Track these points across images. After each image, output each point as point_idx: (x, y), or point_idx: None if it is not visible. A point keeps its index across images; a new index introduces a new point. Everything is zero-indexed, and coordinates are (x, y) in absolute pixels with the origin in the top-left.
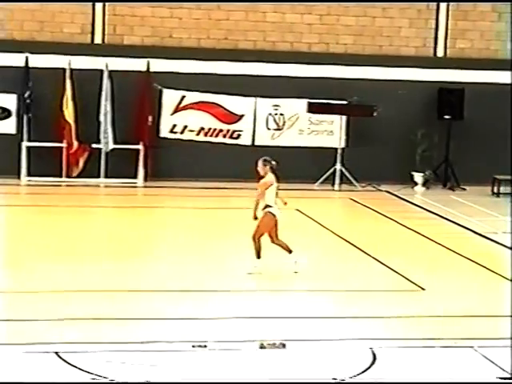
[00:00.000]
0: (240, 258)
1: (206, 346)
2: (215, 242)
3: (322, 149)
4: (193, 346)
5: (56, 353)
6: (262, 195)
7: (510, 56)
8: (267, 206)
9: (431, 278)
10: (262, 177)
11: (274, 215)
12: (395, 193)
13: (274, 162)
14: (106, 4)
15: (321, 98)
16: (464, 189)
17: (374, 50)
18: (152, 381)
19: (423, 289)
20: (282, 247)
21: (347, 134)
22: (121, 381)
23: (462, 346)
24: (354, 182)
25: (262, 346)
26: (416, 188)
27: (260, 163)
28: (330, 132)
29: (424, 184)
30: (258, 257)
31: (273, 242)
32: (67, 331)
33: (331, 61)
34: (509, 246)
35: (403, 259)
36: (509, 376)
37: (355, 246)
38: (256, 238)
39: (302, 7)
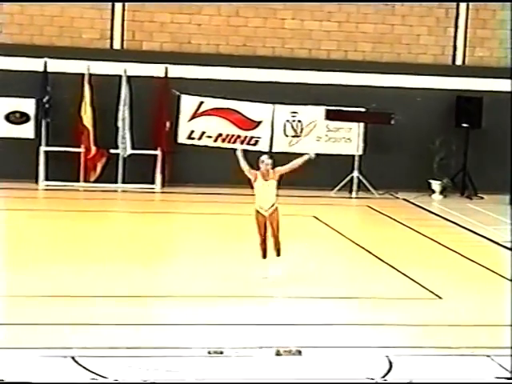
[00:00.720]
0: (256, 263)
1: (221, 353)
2: (232, 248)
3: (339, 156)
4: (209, 352)
5: (72, 357)
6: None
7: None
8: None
9: (448, 287)
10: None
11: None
12: (412, 200)
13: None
14: (126, 10)
15: (339, 105)
16: (481, 197)
17: (393, 57)
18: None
19: (440, 297)
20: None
21: (365, 142)
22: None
23: (479, 355)
24: (371, 189)
25: (277, 353)
26: (433, 196)
27: (267, 160)
28: (348, 139)
29: (441, 192)
30: (265, 257)
31: (274, 234)
32: (84, 336)
33: (349, 68)
34: None
35: (420, 267)
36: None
37: (372, 253)
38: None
39: (320, 14)
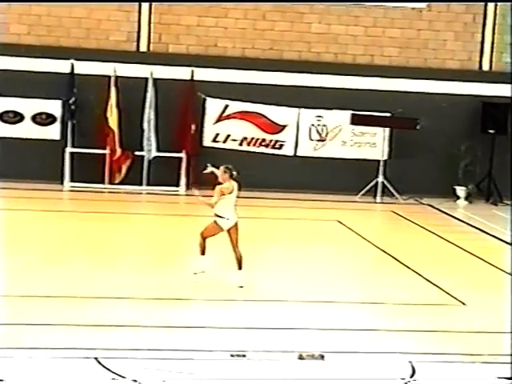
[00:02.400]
0: (277, 268)
1: (244, 356)
2: (253, 251)
3: (364, 161)
4: (231, 356)
5: (96, 358)
6: (215, 204)
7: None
8: (216, 216)
9: (472, 293)
10: (219, 183)
11: (219, 227)
12: (437, 206)
13: (235, 172)
14: (152, 12)
15: (364, 109)
16: (507, 203)
17: (419, 62)
18: None
19: (464, 304)
20: (237, 259)
21: (390, 147)
22: None
23: (502, 363)
24: (395, 194)
25: (300, 357)
26: (458, 202)
27: (221, 169)
28: (373, 144)
29: (466, 198)
30: (203, 253)
31: (234, 250)
32: (108, 337)
33: (376, 73)
34: None
35: (444, 273)
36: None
37: (396, 258)
38: (202, 238)
39: (347, 18)
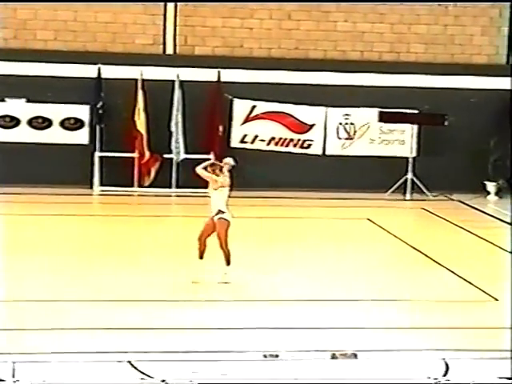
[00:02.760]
0: (307, 267)
1: (277, 356)
2: (283, 251)
3: (392, 158)
4: (264, 356)
5: (129, 362)
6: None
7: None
8: (220, 212)
9: (504, 289)
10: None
11: (228, 221)
12: (467, 202)
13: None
14: (178, 15)
15: (392, 107)
16: None
17: (446, 58)
18: None
19: (496, 299)
20: (226, 255)
21: (418, 143)
22: None
23: None
24: (425, 191)
25: (333, 356)
26: (488, 197)
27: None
28: (401, 141)
29: (497, 193)
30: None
31: (221, 246)
32: (140, 340)
33: (402, 70)
34: None
35: (476, 269)
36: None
37: (427, 255)
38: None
39: (373, 16)
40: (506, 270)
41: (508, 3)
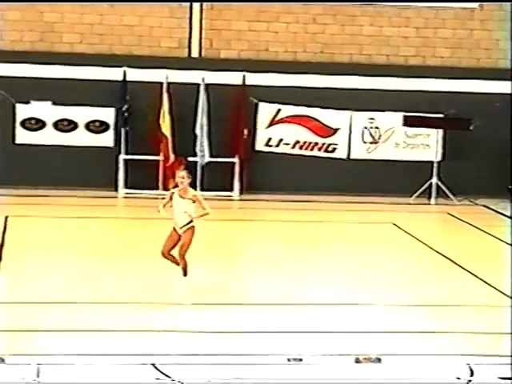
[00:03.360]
0: (332, 271)
1: (301, 360)
2: (308, 255)
3: (417, 162)
4: (288, 360)
5: (153, 364)
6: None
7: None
8: (192, 221)
9: None
10: (183, 190)
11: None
12: (492, 207)
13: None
14: (203, 18)
15: (417, 111)
16: None
17: (472, 62)
18: None
19: None
20: (184, 266)
21: (444, 148)
22: None
23: None
24: (450, 195)
25: (357, 361)
26: None
27: (185, 174)
28: (426, 145)
29: None
30: (185, 274)
31: (166, 254)
32: (164, 343)
33: (428, 74)
34: None
35: (501, 274)
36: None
37: (452, 260)
38: (183, 255)
39: (398, 20)
40: None
41: None
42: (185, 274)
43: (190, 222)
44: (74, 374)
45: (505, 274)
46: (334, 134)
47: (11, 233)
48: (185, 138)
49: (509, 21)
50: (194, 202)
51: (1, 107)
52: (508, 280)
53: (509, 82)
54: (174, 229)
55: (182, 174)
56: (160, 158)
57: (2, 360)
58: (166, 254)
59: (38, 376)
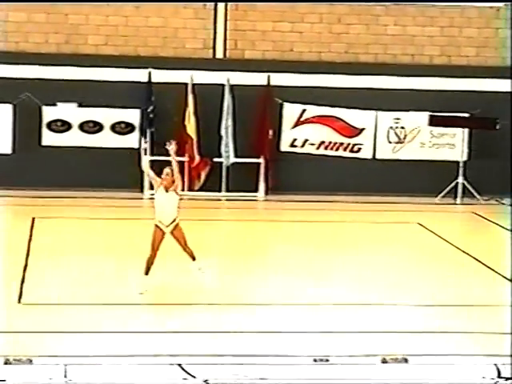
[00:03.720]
0: (358, 271)
1: (327, 360)
2: (335, 255)
3: (443, 162)
4: (314, 360)
5: (179, 365)
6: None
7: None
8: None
9: None
10: (165, 186)
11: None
12: None
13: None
14: (228, 19)
15: (442, 110)
16: None
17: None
18: None
19: None
20: (190, 253)
21: (469, 147)
22: None
23: None
24: (476, 195)
25: (383, 361)
26: None
27: (169, 170)
28: (452, 145)
29: None
30: (147, 273)
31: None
32: (190, 343)
33: (453, 73)
34: None
35: None
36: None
37: (478, 260)
38: (186, 244)
39: (423, 19)
40: None
41: None
42: (194, 258)
43: (176, 218)
44: (101, 374)
45: None
46: (359, 134)
47: (38, 234)
48: (210, 138)
49: None
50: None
51: (27, 109)
52: None
53: None
54: (157, 226)
55: (167, 171)
56: (185, 159)
57: (30, 361)
58: (155, 257)
59: (65, 376)
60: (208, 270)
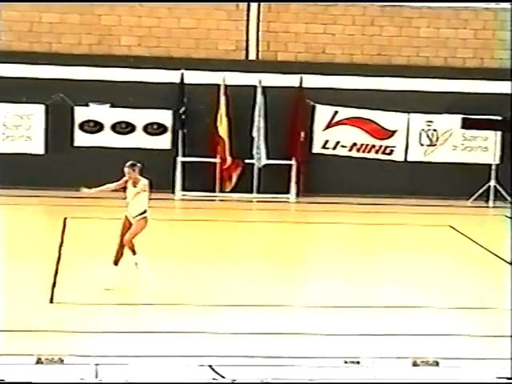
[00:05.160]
0: (391, 274)
1: (358, 363)
2: (368, 258)
3: (475, 165)
4: (345, 362)
5: (210, 366)
6: (137, 194)
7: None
8: (145, 212)
9: None
10: (132, 182)
11: (146, 220)
12: None
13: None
14: (261, 21)
15: (475, 113)
16: None
17: None
18: None
19: None
20: (131, 248)
21: (502, 150)
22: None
23: None
24: (508, 198)
25: (414, 364)
26: None
27: (127, 168)
28: (485, 148)
29: None
30: (116, 264)
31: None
32: (221, 345)
33: (486, 76)
34: None
35: None
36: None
37: (510, 263)
38: (130, 240)
39: (456, 22)
40: None
41: None
42: (116, 263)
43: (144, 212)
44: (132, 374)
45: None
46: (391, 136)
47: (69, 234)
48: (242, 140)
49: None
50: (145, 191)
51: (59, 110)
52: None
53: None
54: (127, 217)
55: (127, 170)
56: (217, 160)
57: (61, 360)
58: (126, 243)
59: (96, 376)
60: (238, 272)
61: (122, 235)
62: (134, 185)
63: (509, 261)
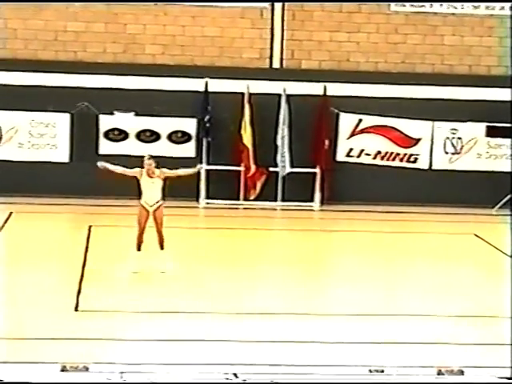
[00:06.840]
0: (416, 282)
1: (383, 371)
2: (390, 266)
3: (500, 173)
4: (370, 371)
5: (234, 374)
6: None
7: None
8: (161, 200)
9: None
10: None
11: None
12: None
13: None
14: (285, 29)
15: (500, 121)
16: None
17: None
18: None
19: None
20: (161, 239)
21: None
22: None
23: None
24: None
25: (439, 373)
26: None
27: (149, 160)
28: (509, 156)
29: None
30: (139, 249)
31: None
32: (246, 353)
33: (510, 84)
34: None
35: None
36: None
37: None
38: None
39: (481, 29)
40: None
41: None
42: (162, 247)
43: (160, 200)
44: (156, 382)
45: None
46: (415, 144)
47: (94, 242)
48: (266, 148)
49: None
50: (163, 179)
51: (84, 118)
52: None
53: None
54: (142, 206)
55: (149, 162)
56: (241, 168)
57: (86, 368)
58: (143, 234)
59: None
60: (262, 280)
61: (140, 223)
62: (150, 175)
63: None
